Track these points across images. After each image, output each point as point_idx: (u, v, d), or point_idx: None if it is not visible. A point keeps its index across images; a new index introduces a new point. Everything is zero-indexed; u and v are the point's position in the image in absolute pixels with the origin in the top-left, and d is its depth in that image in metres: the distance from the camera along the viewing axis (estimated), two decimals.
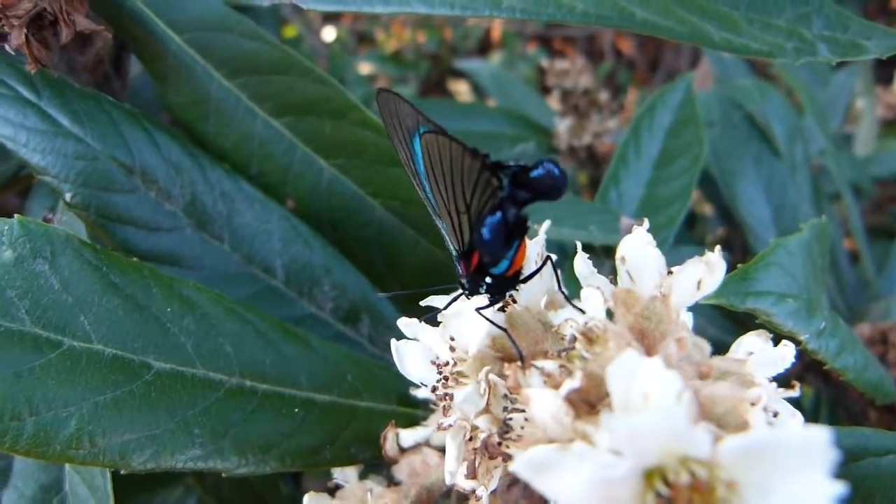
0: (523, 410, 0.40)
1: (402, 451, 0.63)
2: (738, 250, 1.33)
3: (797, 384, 0.44)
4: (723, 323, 1.01)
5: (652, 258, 0.44)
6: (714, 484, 0.30)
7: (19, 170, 0.79)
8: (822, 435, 0.28)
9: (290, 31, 2.88)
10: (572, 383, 0.37)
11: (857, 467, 0.56)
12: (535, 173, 0.43)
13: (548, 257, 0.48)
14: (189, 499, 0.85)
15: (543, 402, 0.37)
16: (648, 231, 0.45)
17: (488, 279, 0.46)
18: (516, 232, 0.44)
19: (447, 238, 0.49)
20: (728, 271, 0.58)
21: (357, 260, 0.78)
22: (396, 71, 3.35)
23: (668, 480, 0.31)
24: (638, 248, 0.44)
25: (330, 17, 3.42)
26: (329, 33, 3.39)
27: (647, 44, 3.50)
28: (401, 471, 0.63)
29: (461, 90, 3.27)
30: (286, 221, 0.75)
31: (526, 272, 0.48)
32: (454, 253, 0.49)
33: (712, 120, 1.19)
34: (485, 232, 0.41)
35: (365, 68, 3.22)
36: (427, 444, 0.63)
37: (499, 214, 0.42)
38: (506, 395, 0.43)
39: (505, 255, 0.44)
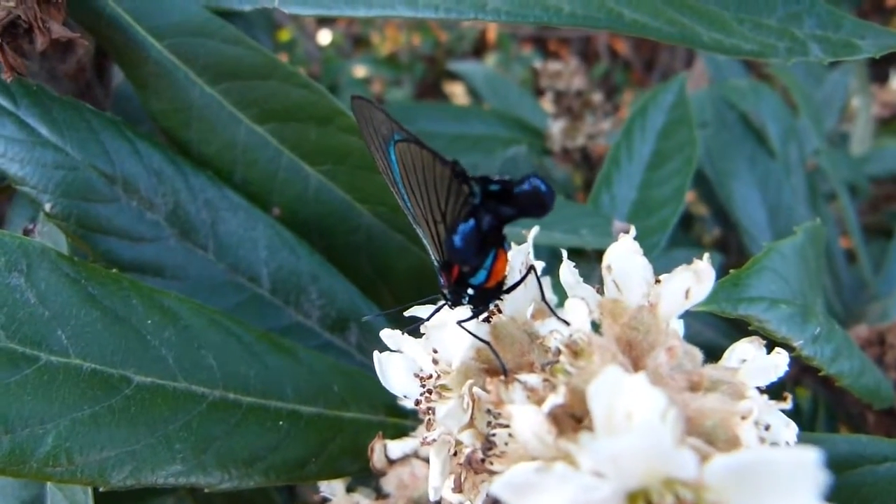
0: (507, 426, 0.39)
1: (391, 462, 0.62)
2: (734, 252, 1.32)
3: (789, 396, 0.43)
4: (719, 327, 1.00)
5: (639, 267, 0.42)
6: None
7: (2, 179, 0.77)
8: (812, 455, 0.27)
9: (285, 36, 2.88)
10: (555, 399, 0.36)
11: (853, 475, 0.55)
12: (520, 189, 0.41)
13: (531, 267, 0.47)
14: None
15: (525, 419, 0.35)
16: (635, 238, 0.44)
17: (470, 290, 0.45)
18: (491, 241, 0.42)
19: (429, 249, 0.47)
20: (723, 274, 0.57)
21: (345, 267, 0.76)
22: (391, 74, 3.35)
23: (652, 503, 0.29)
24: (624, 256, 0.43)
25: (324, 21, 3.41)
26: (324, 37, 3.38)
27: (643, 45, 3.49)
28: (389, 483, 0.62)
29: (456, 92, 3.27)
30: (272, 229, 0.73)
31: (510, 282, 0.46)
32: (436, 264, 0.47)
33: (705, 121, 1.18)
34: (456, 240, 0.40)
35: (360, 71, 3.22)
36: (416, 455, 0.62)
37: (472, 222, 0.40)
38: (490, 410, 0.42)
39: (480, 265, 0.43)
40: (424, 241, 0.48)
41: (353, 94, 0.48)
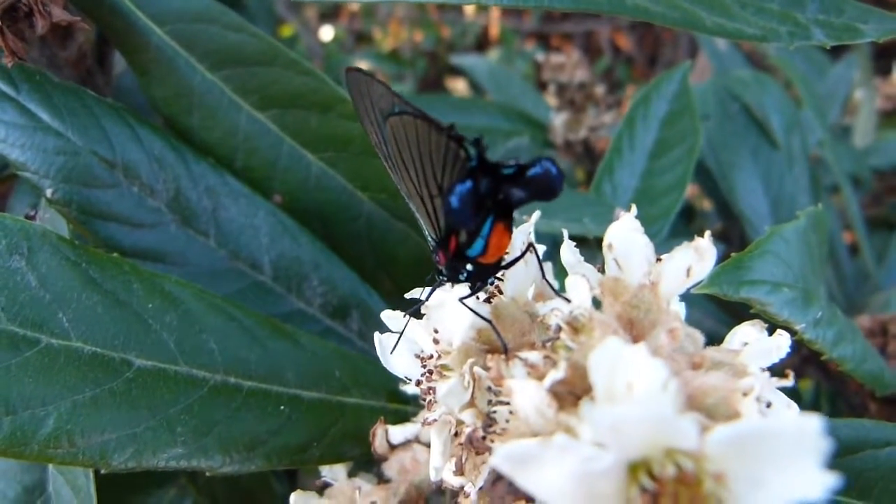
0: (508, 403, 0.39)
1: (392, 447, 0.62)
2: (737, 244, 1.32)
3: (790, 373, 0.43)
4: (720, 315, 1.00)
5: (640, 245, 0.42)
6: (701, 476, 0.29)
7: (5, 166, 0.77)
8: (814, 423, 0.27)
9: (287, 31, 2.88)
10: (556, 374, 0.36)
11: (855, 459, 0.55)
12: (532, 172, 0.41)
13: (530, 245, 0.47)
14: (184, 500, 0.84)
15: (526, 394, 0.35)
16: (637, 218, 0.44)
17: (469, 266, 0.44)
18: (488, 206, 0.42)
19: (424, 227, 0.47)
20: (724, 261, 0.57)
21: (346, 255, 0.76)
22: (393, 69, 3.35)
23: (653, 473, 0.29)
24: (625, 234, 0.43)
25: (327, 16, 3.41)
26: (326, 33, 3.39)
27: (645, 39, 3.49)
28: (390, 468, 0.61)
29: (458, 88, 3.26)
30: (273, 216, 0.73)
31: (508, 260, 0.46)
32: (432, 242, 0.47)
33: (707, 113, 1.18)
34: (453, 200, 0.39)
35: (362, 67, 3.21)
36: (417, 440, 0.62)
37: (469, 183, 0.40)
38: (490, 388, 0.42)
39: (476, 232, 0.43)
40: (419, 218, 0.47)
41: (347, 67, 0.48)
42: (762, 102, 1.24)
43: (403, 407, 0.67)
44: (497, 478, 0.44)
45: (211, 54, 0.71)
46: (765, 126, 1.20)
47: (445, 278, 0.46)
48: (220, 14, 0.71)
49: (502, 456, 0.30)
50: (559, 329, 0.39)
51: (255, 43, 0.72)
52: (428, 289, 0.49)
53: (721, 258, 0.58)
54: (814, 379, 1.01)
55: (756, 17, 0.63)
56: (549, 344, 0.39)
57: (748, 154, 1.17)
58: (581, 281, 0.40)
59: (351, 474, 0.64)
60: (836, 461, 0.55)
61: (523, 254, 0.46)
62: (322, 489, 0.62)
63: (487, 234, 0.43)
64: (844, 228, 1.38)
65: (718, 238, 1.43)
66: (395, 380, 0.54)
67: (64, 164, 0.65)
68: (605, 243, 0.43)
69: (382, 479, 0.62)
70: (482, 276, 0.45)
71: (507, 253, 0.46)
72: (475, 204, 0.40)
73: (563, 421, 0.34)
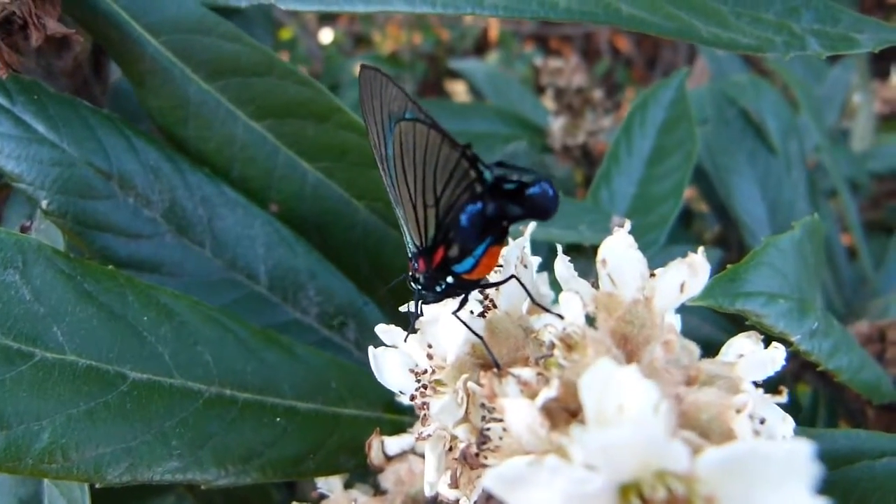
0: (502, 420, 0.39)
1: (388, 458, 0.62)
2: (735, 248, 1.32)
3: (784, 390, 0.43)
4: (717, 321, 1.00)
5: (633, 261, 0.42)
6: (692, 499, 0.29)
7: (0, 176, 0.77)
8: (804, 448, 0.27)
9: (286, 34, 2.88)
10: (548, 392, 0.36)
11: (851, 470, 0.55)
12: (531, 191, 0.41)
13: (514, 270, 0.47)
14: None
15: (518, 414, 0.35)
16: (630, 232, 0.44)
17: (449, 278, 0.45)
18: (489, 230, 0.42)
19: (406, 231, 0.47)
20: (722, 269, 0.57)
21: (343, 264, 0.76)
22: (393, 72, 3.34)
23: (643, 496, 0.29)
24: (619, 250, 0.43)
25: (326, 19, 3.41)
26: (326, 35, 3.39)
27: (644, 41, 3.49)
28: (387, 479, 0.61)
29: (458, 91, 3.26)
30: (269, 226, 0.73)
31: (504, 276, 0.46)
32: (412, 248, 0.47)
33: (705, 117, 1.18)
34: (463, 219, 0.40)
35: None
36: (413, 451, 0.62)
37: (479, 204, 0.40)
38: (484, 405, 0.41)
39: (474, 251, 0.43)
40: (402, 224, 0.47)
41: (362, 63, 0.48)
42: (759, 107, 1.24)
43: (400, 418, 0.67)
44: (491, 494, 0.44)
45: (206, 65, 0.71)
46: (762, 130, 1.20)
47: (421, 287, 0.46)
48: (215, 24, 0.71)
49: (493, 477, 0.30)
50: (552, 346, 0.39)
51: (251, 53, 0.72)
52: (413, 302, 0.49)
53: (719, 264, 0.58)
54: (812, 385, 1.01)
55: (751, 27, 0.63)
56: (542, 361, 0.39)
57: (745, 158, 1.17)
58: (574, 298, 0.40)
59: (347, 486, 0.64)
60: (833, 472, 0.55)
61: (507, 279, 0.46)
62: (318, 501, 0.62)
63: (480, 255, 0.43)
64: (842, 233, 1.38)
65: (716, 242, 1.43)
66: (392, 391, 0.54)
67: (59, 175, 0.65)
68: (598, 259, 0.43)
69: (378, 491, 0.61)
70: (461, 290, 0.45)
71: (497, 269, 0.46)
72: (482, 226, 0.41)
73: (556, 440, 0.34)
